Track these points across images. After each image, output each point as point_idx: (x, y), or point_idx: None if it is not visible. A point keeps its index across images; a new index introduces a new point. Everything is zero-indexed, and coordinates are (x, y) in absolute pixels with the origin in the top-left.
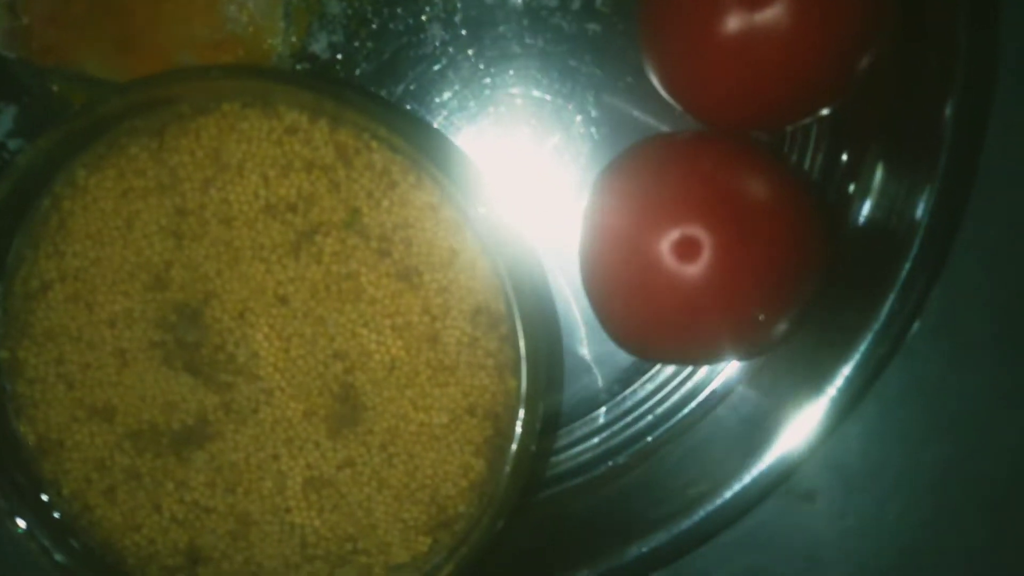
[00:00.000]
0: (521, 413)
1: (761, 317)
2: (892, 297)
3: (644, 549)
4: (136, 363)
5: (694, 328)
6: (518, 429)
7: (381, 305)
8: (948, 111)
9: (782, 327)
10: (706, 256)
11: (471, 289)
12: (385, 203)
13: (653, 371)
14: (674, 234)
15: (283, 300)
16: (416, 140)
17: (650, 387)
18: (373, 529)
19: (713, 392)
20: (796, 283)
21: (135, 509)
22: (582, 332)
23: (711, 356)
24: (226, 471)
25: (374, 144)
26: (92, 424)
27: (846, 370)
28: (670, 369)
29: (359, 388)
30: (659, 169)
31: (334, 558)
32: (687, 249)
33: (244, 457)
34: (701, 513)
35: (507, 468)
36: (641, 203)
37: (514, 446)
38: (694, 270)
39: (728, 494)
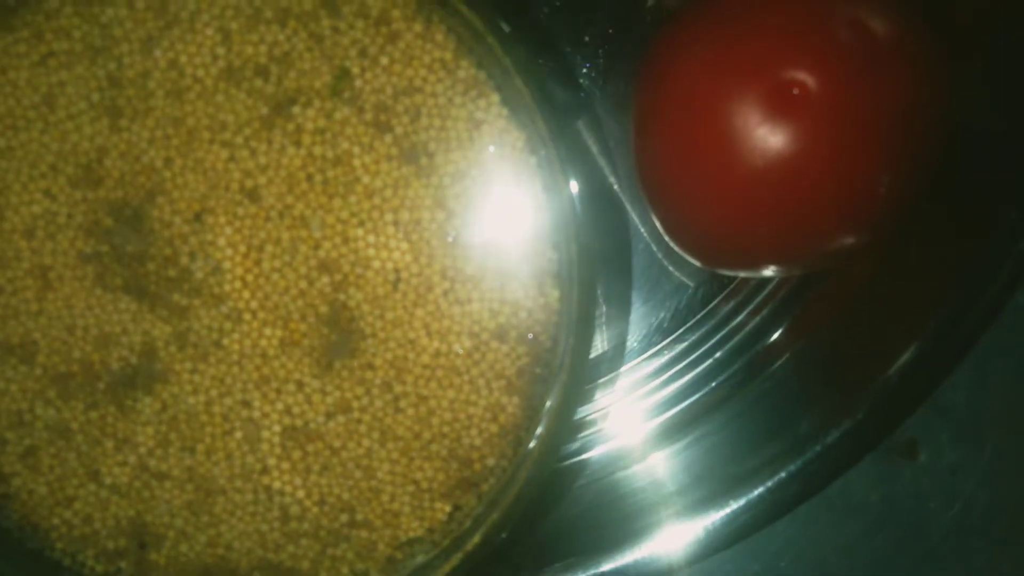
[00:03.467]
0: (568, 335)
1: (884, 186)
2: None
3: (719, 518)
4: (62, 284)
5: (794, 210)
6: (564, 356)
7: (380, 198)
8: None
9: (907, 203)
10: (813, 106)
11: (498, 172)
12: (383, 61)
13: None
14: (767, 82)
15: (252, 195)
16: None
17: (729, 307)
18: (376, 495)
19: (799, 320)
20: (925, 141)
21: (64, 477)
22: (643, 242)
23: (813, 252)
24: (182, 423)
25: None
26: (6, 367)
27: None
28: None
29: (354, 309)
30: (734, 8)
31: (325, 534)
32: (787, 100)
33: (205, 404)
34: (782, 474)
35: (549, 407)
36: (715, 51)
37: (560, 379)
38: (796, 129)
39: (813, 451)
